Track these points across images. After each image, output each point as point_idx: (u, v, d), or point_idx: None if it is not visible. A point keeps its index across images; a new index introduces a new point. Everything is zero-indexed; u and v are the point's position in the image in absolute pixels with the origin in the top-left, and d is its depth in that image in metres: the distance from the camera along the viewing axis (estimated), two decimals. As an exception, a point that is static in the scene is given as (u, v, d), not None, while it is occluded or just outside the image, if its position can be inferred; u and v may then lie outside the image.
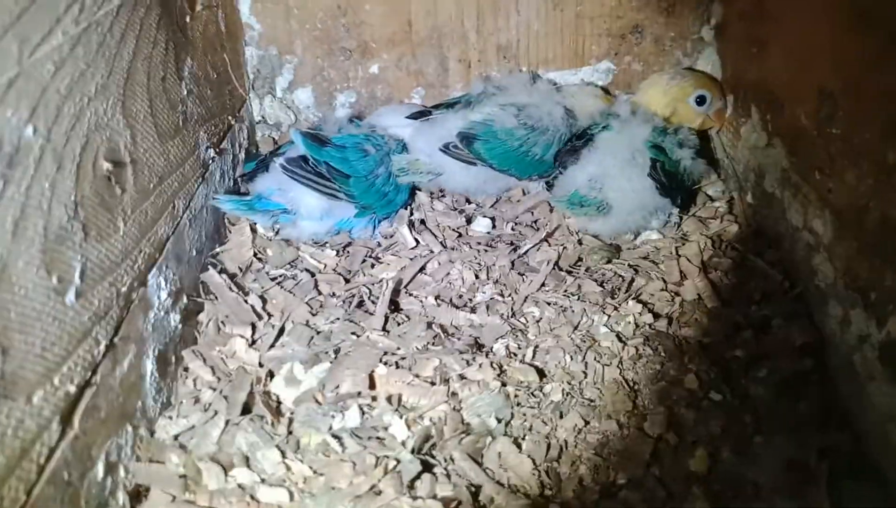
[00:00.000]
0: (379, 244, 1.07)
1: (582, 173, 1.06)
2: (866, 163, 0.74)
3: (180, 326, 0.85)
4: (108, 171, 0.71)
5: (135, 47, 0.80)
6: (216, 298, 0.91)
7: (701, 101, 1.15)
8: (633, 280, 0.96)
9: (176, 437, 0.75)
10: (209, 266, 0.95)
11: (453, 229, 1.10)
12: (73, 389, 0.62)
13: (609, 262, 1.00)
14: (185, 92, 0.95)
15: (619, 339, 0.86)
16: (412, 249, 1.05)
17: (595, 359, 0.83)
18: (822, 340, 0.83)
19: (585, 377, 0.82)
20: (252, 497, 0.69)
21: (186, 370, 0.83)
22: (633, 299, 0.92)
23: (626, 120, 1.11)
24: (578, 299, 0.93)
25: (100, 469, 0.65)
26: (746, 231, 1.03)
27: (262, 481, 0.70)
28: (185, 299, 0.87)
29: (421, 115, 1.18)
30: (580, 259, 1.02)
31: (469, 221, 1.12)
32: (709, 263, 0.98)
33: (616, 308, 0.91)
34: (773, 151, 0.98)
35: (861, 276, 0.75)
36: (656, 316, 0.90)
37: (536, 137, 1.13)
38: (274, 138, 1.29)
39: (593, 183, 1.05)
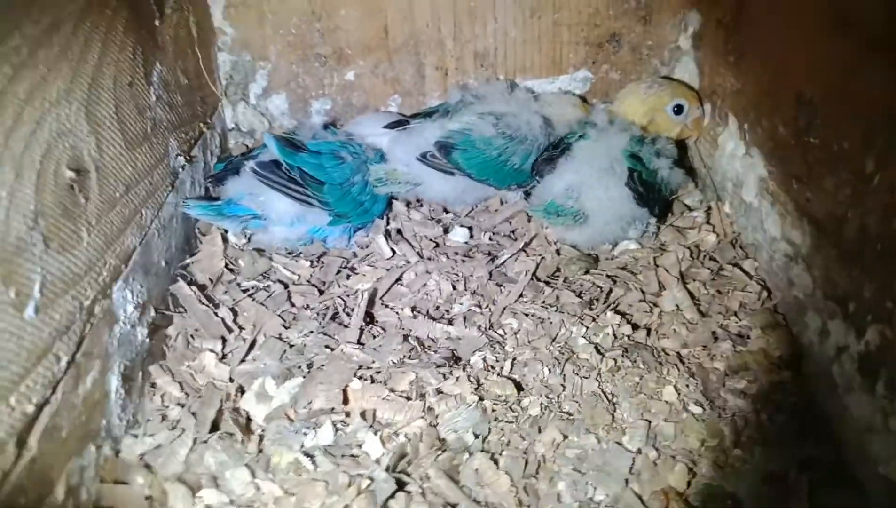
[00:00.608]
0: (355, 255, 1.05)
1: (559, 182, 1.05)
2: (845, 172, 0.74)
3: (147, 340, 0.82)
4: (70, 179, 0.69)
5: (100, 51, 0.77)
6: (185, 311, 0.89)
7: (678, 110, 1.14)
8: (611, 291, 0.95)
9: (142, 456, 0.73)
10: (178, 278, 0.92)
11: (430, 239, 1.08)
12: (31, 408, 0.60)
13: (587, 272, 0.99)
14: (154, 98, 0.92)
15: (598, 351, 0.85)
16: (388, 259, 1.04)
17: (573, 371, 0.82)
18: (801, 351, 0.83)
19: (564, 390, 0.80)
20: (220, 519, 0.66)
21: (154, 386, 0.81)
22: (612, 309, 0.91)
23: (603, 129, 1.10)
24: (556, 310, 0.92)
25: (59, 492, 0.62)
26: (724, 241, 1.03)
27: (231, 502, 0.68)
28: (152, 313, 0.84)
29: (398, 124, 1.16)
30: (558, 269, 1.01)
31: (446, 230, 1.10)
32: (687, 273, 0.97)
33: (594, 319, 0.90)
34: (751, 161, 0.98)
35: (839, 286, 0.75)
36: (635, 327, 0.89)
37: (515, 146, 1.12)
38: (247, 146, 1.26)
39: (570, 192, 1.04)
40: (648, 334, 0.88)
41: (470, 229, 1.10)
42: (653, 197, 1.05)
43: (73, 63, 0.71)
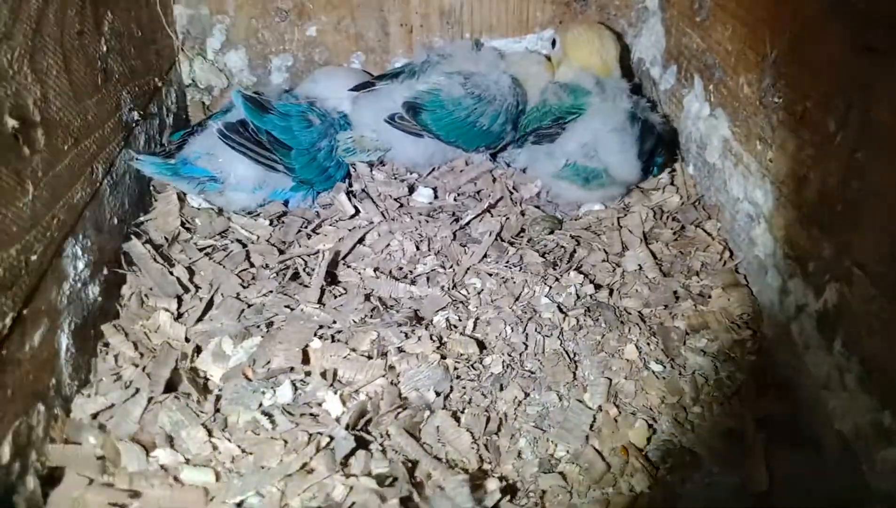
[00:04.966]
0: (318, 214, 1.03)
1: (573, 143, 1.03)
2: (807, 132, 0.74)
3: (100, 298, 0.79)
4: (14, 129, 0.65)
5: (44, -4, 0.73)
6: (140, 269, 0.86)
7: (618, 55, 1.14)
8: (574, 251, 0.95)
9: (94, 416, 0.71)
10: (132, 236, 0.89)
11: (394, 199, 1.06)
12: (-27, 365, 0.57)
13: (551, 233, 0.99)
14: (105, 49, 0.89)
15: (560, 310, 0.84)
16: (351, 218, 1.02)
17: (536, 330, 0.82)
18: (761, 310, 0.84)
19: (526, 349, 0.80)
20: (175, 479, 0.65)
21: (107, 345, 0.78)
22: (575, 269, 0.91)
23: (602, 92, 1.06)
24: (520, 270, 0.91)
25: (5, 451, 0.60)
26: (687, 202, 1.03)
27: (187, 461, 0.66)
28: (105, 271, 0.81)
29: (365, 86, 1.13)
30: (523, 230, 1.00)
31: (411, 190, 1.08)
32: (650, 233, 0.98)
33: (557, 279, 0.89)
34: (715, 122, 0.98)
35: (800, 246, 0.75)
36: (597, 287, 0.88)
37: (484, 106, 1.10)
38: (204, 103, 1.23)
39: (587, 151, 1.02)
40: (611, 293, 0.88)
41: (434, 189, 1.09)
42: (657, 152, 1.05)
43: (14, 6, 0.67)
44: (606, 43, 1.13)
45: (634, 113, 1.03)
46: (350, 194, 1.06)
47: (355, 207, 1.03)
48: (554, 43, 1.18)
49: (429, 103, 1.09)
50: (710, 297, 0.86)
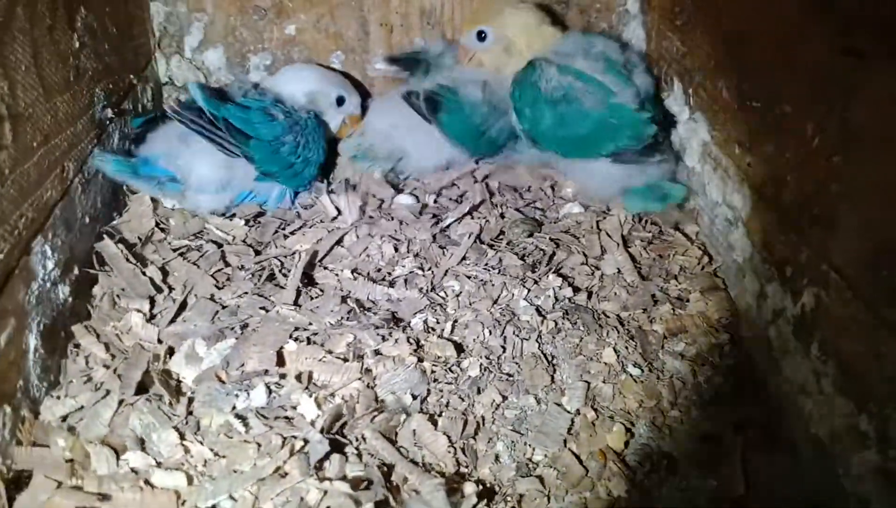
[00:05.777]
0: (298, 215, 1.02)
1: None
2: (785, 136, 0.74)
3: (70, 299, 0.78)
4: (-20, 125, 0.64)
5: (13, -10, 0.72)
6: (111, 269, 0.85)
7: None
8: (553, 254, 0.94)
9: (63, 418, 0.69)
10: (104, 235, 0.88)
11: (376, 198, 1.05)
12: (-65, 367, 0.56)
13: (531, 235, 0.98)
14: (78, 45, 0.87)
15: (539, 313, 0.84)
16: (332, 220, 1.01)
17: (514, 333, 0.81)
18: (739, 314, 0.84)
19: (504, 352, 0.79)
20: (146, 482, 0.63)
21: (77, 346, 0.77)
22: (554, 272, 0.90)
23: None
24: (499, 272, 0.91)
25: (-32, 455, 0.59)
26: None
27: (158, 465, 0.65)
28: (76, 270, 0.80)
29: (396, 61, 1.16)
30: (502, 232, 1.00)
31: (395, 188, 1.08)
32: (629, 237, 0.98)
33: (536, 282, 0.89)
34: (694, 125, 0.98)
35: (777, 250, 0.75)
36: (576, 290, 0.88)
37: (496, 117, 1.09)
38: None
39: None
40: (589, 296, 0.88)
41: (415, 191, 1.08)
42: None
43: (-20, -1, 0.66)
44: (543, 18, 1.11)
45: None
46: (331, 193, 1.05)
47: (337, 208, 1.02)
48: (483, 36, 1.09)
49: (448, 101, 1.08)
50: (688, 301, 0.86)
